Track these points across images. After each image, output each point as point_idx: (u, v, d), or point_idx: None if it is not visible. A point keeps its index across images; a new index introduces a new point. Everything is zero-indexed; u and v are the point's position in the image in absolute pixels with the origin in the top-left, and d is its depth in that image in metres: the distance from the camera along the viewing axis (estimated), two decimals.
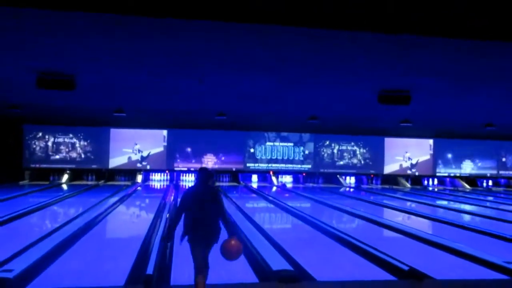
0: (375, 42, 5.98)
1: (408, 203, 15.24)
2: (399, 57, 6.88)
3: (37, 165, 20.09)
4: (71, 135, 20.40)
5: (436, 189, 22.08)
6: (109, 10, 4.65)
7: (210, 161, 21.29)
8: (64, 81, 8.54)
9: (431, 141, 23.22)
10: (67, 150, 20.34)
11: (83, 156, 20.47)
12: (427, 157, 23.30)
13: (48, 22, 5.44)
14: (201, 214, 4.37)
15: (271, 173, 22.08)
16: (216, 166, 21.25)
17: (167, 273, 5.68)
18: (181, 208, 4.47)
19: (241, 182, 21.33)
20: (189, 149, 21.22)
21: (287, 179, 22.58)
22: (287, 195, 17.59)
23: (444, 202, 16.02)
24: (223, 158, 21.43)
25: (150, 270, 5.47)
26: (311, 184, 22.22)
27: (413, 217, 12.16)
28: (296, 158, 22.23)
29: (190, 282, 4.54)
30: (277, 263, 6.01)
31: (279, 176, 22.35)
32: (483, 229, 9.65)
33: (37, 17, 5.22)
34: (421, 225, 10.46)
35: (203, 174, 4.56)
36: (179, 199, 4.80)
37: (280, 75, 8.65)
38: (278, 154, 22.07)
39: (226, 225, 4.61)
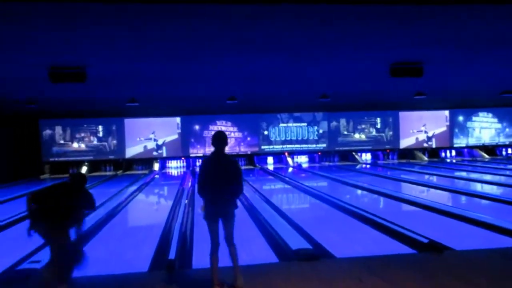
0: (384, 14, 5.88)
1: (426, 176, 15.13)
2: (409, 28, 6.75)
3: (56, 159, 20.45)
4: (86, 127, 20.66)
5: (454, 161, 21.84)
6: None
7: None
8: (75, 73, 8.61)
9: (446, 112, 22.87)
10: (83, 142, 20.63)
11: (99, 147, 20.75)
12: (444, 128, 22.99)
13: (54, 14, 5.46)
14: (221, 186, 4.26)
15: (286, 154, 22.09)
16: (234, 150, 21.36)
17: (188, 257, 5.80)
18: (203, 177, 4.29)
19: (257, 164, 21.41)
20: (203, 135, 21.32)
21: (303, 159, 22.57)
22: (303, 175, 17.61)
23: (463, 173, 15.86)
24: (238, 142, 21.50)
25: (172, 255, 5.58)
26: (327, 163, 22.18)
27: (431, 190, 12.08)
28: (311, 138, 22.17)
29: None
30: (297, 242, 6.07)
31: (295, 156, 22.36)
32: (503, 198, 9.56)
33: (44, 11, 5.24)
34: (440, 198, 10.40)
35: (219, 138, 4.35)
36: (198, 170, 4.54)
37: (289, 54, 8.57)
38: (292, 134, 22.03)
39: (237, 188, 4.39)
